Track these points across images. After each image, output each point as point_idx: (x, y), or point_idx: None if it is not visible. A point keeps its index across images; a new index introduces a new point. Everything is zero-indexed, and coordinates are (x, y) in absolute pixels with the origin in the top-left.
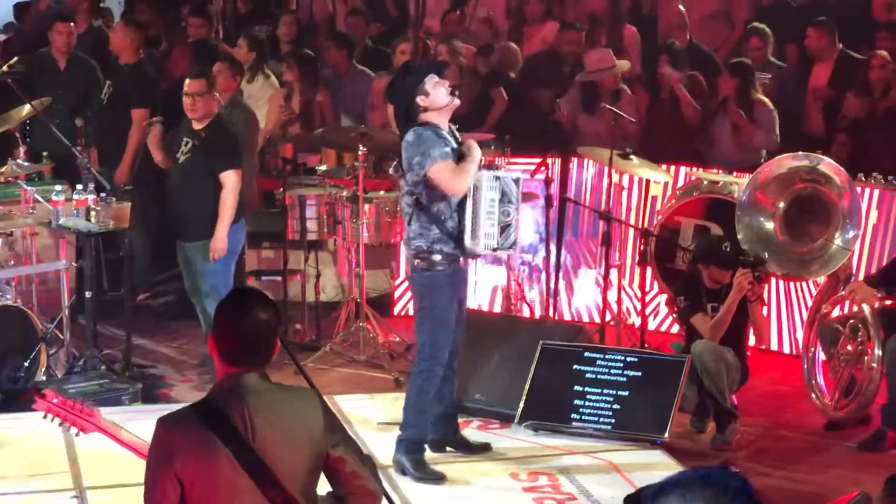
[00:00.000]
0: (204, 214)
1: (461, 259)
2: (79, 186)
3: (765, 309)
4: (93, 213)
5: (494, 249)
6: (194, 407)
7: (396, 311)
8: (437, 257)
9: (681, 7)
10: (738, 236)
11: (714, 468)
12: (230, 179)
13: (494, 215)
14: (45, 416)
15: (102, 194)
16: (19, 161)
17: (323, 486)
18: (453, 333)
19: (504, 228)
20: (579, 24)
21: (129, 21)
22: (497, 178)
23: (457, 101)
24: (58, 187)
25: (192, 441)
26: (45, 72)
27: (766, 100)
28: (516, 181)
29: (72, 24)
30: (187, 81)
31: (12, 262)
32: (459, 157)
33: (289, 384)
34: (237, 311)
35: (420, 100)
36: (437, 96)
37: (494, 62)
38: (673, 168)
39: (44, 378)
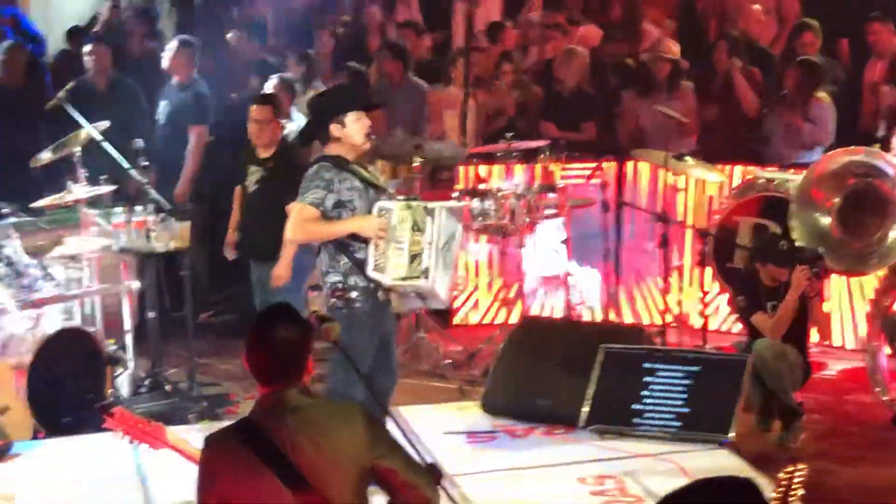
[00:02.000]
0: (277, 237)
1: (380, 293)
2: (138, 208)
3: (825, 304)
4: (153, 234)
5: (403, 279)
6: (236, 426)
7: (456, 321)
8: (354, 293)
9: (757, 6)
10: (793, 234)
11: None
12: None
13: (404, 244)
14: (114, 434)
15: (162, 214)
16: (79, 185)
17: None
18: (381, 374)
19: (414, 257)
20: (621, 35)
21: (183, 42)
22: (409, 206)
23: (367, 146)
24: (117, 209)
25: (234, 461)
26: (85, 94)
27: (824, 96)
28: (430, 211)
29: (102, 45)
30: (253, 107)
31: (75, 286)
32: (372, 194)
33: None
34: (263, 331)
35: (334, 128)
36: (353, 133)
37: (571, 83)
38: (728, 167)
39: (110, 400)
